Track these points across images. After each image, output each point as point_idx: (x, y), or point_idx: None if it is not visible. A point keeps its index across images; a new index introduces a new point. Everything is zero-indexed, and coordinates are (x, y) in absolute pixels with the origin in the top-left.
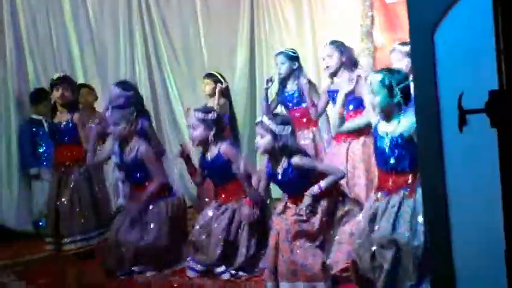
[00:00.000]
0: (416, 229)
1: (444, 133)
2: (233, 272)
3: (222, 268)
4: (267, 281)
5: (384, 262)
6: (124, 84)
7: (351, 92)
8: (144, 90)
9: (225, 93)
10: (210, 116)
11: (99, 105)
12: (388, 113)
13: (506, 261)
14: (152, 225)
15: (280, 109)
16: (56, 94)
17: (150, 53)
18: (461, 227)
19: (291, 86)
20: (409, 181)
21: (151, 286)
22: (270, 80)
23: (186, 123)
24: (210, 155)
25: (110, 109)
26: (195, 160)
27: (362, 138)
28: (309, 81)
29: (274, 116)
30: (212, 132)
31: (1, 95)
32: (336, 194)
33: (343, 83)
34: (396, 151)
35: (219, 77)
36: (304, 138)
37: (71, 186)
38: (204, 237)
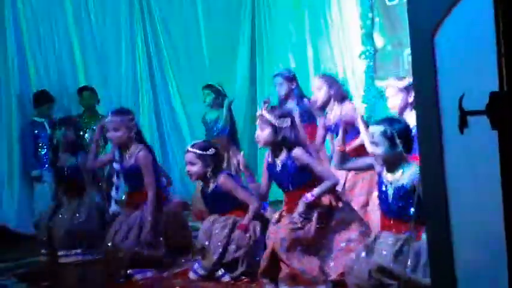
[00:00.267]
0: (417, 268)
1: (445, 135)
2: (234, 274)
3: (222, 271)
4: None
5: (386, 282)
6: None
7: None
8: (145, 91)
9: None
10: (209, 152)
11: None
12: (390, 163)
13: (508, 267)
14: (147, 232)
15: None
16: (59, 134)
17: (152, 54)
18: (462, 229)
19: (290, 106)
20: (413, 228)
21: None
22: (266, 102)
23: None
24: (209, 188)
25: (110, 115)
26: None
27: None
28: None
29: (273, 109)
30: (210, 169)
31: (3, 97)
32: (331, 201)
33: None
34: (400, 202)
35: (219, 87)
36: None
37: (71, 209)
38: (206, 242)
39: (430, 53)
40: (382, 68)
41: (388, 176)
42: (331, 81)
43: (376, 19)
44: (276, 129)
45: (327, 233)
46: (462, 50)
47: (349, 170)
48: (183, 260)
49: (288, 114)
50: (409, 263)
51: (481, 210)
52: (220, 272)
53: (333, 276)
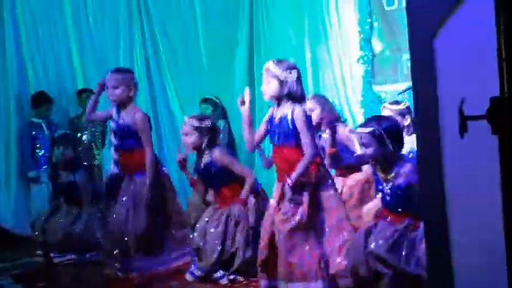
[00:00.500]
0: (411, 259)
1: (444, 140)
2: (231, 277)
3: (220, 273)
4: (260, 278)
5: (382, 270)
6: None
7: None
8: (142, 92)
9: (224, 115)
10: (205, 123)
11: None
12: (382, 163)
13: (508, 274)
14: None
15: None
16: (57, 152)
17: (149, 56)
18: (460, 233)
19: None
20: (412, 218)
21: None
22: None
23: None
24: (203, 161)
25: (110, 73)
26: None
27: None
28: None
29: (279, 62)
30: (206, 140)
31: (1, 98)
32: (316, 178)
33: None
34: (396, 199)
35: (216, 100)
36: None
37: (71, 215)
38: (201, 243)
39: (429, 57)
40: (380, 73)
41: (382, 176)
42: (323, 102)
43: (375, 24)
44: (281, 82)
45: (318, 212)
46: (462, 54)
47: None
48: (179, 252)
49: (295, 67)
50: (403, 253)
51: (480, 215)
52: (218, 274)
53: (332, 270)
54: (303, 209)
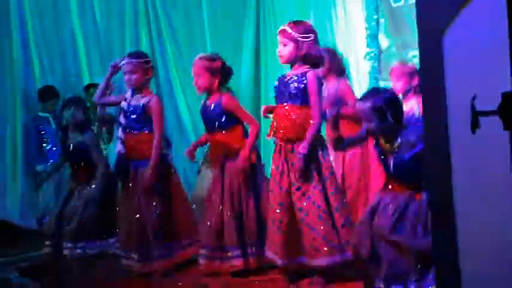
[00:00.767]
0: (417, 231)
1: (453, 136)
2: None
3: (237, 252)
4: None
5: (384, 253)
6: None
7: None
8: None
9: None
10: (216, 63)
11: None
12: (385, 135)
13: None
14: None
15: None
16: (68, 114)
17: (156, 52)
18: (469, 232)
19: None
20: (415, 187)
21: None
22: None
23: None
24: (211, 102)
25: (127, 57)
26: None
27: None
28: None
29: (296, 24)
30: (217, 80)
31: (8, 92)
32: (317, 143)
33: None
34: (400, 170)
35: None
36: None
37: (82, 199)
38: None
39: (438, 54)
40: (387, 70)
41: (386, 148)
42: (332, 54)
43: (381, 20)
44: (298, 45)
45: (318, 175)
46: (471, 50)
47: (348, 149)
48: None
49: (312, 30)
50: (408, 229)
51: (490, 213)
52: (235, 252)
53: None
54: (312, 178)
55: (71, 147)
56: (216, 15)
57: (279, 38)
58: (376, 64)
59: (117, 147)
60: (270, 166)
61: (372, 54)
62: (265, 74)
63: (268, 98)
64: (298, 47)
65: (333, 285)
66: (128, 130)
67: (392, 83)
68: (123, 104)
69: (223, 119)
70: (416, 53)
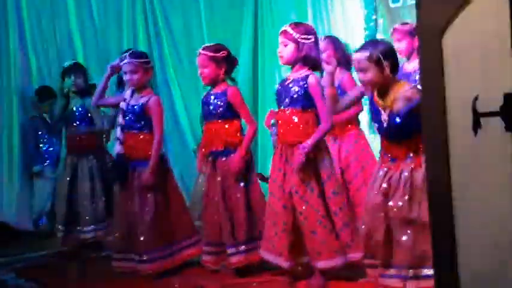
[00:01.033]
0: (413, 206)
1: (452, 136)
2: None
3: (233, 249)
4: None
5: (401, 238)
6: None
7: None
8: None
9: None
10: (220, 53)
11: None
12: (380, 87)
13: None
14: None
15: None
16: (69, 82)
17: (153, 52)
18: (468, 232)
19: None
20: (414, 148)
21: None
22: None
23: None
24: (216, 92)
25: (128, 57)
26: None
27: (352, 135)
28: None
29: (297, 25)
30: (222, 71)
31: (4, 92)
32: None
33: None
34: (396, 127)
35: None
36: None
37: (86, 175)
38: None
39: (438, 53)
40: None
41: (381, 103)
42: (337, 43)
43: (380, 21)
44: (299, 46)
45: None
46: (470, 50)
47: (343, 110)
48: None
49: (312, 32)
50: (419, 204)
51: (490, 213)
52: (231, 250)
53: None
54: (309, 178)
55: (73, 110)
56: (213, 12)
57: (279, 38)
58: None
59: (115, 148)
60: (269, 166)
61: None
62: (262, 71)
63: (266, 97)
64: (299, 48)
65: (333, 285)
66: (126, 130)
67: (395, 44)
68: (122, 104)
69: (224, 109)
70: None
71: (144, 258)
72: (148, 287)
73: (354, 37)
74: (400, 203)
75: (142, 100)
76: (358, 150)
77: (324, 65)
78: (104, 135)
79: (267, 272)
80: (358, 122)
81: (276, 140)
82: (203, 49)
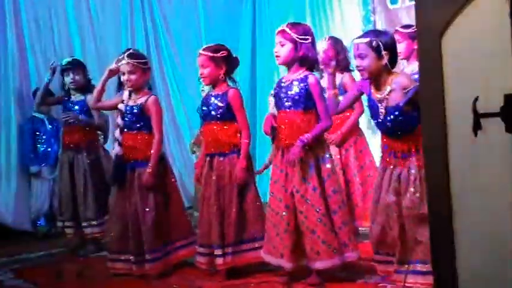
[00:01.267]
0: (415, 202)
1: (452, 139)
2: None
3: (219, 251)
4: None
5: (418, 235)
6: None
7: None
8: None
9: None
10: (220, 54)
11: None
12: (377, 77)
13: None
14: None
15: None
16: (67, 79)
17: (152, 52)
18: (468, 232)
19: None
20: (417, 143)
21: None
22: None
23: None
24: (217, 92)
25: (126, 57)
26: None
27: (352, 140)
28: None
29: (295, 25)
30: (222, 71)
31: (2, 93)
32: (317, 145)
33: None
34: (394, 120)
35: None
36: None
37: (84, 170)
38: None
39: (438, 53)
40: None
41: (377, 95)
42: (340, 46)
43: (378, 22)
44: (296, 46)
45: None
46: (470, 50)
47: (343, 110)
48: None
49: (310, 32)
50: (417, 201)
51: (488, 214)
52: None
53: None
54: (312, 178)
55: (73, 102)
56: (211, 12)
57: (276, 38)
58: None
59: (113, 150)
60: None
61: None
62: (261, 71)
63: (265, 97)
64: (296, 48)
65: (330, 286)
66: (125, 130)
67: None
68: (121, 105)
69: (224, 111)
70: None
71: (143, 259)
72: (148, 287)
73: (351, 38)
74: (413, 201)
75: (141, 100)
76: (358, 151)
77: (324, 66)
78: (102, 135)
79: (265, 273)
80: (357, 122)
81: (276, 143)
82: (203, 49)
